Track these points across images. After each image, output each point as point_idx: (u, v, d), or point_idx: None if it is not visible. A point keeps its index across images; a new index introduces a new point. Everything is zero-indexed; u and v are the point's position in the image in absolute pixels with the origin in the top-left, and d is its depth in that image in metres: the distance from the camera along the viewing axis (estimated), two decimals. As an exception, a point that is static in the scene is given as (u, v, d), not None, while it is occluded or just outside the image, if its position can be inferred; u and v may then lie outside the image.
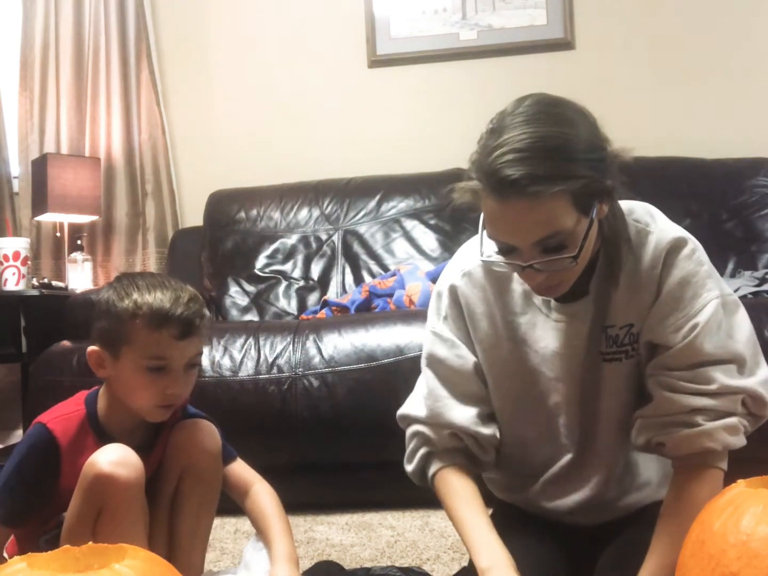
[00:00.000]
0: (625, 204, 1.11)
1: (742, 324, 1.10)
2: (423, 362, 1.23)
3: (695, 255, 1.07)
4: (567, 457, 1.19)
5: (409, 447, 1.23)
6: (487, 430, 1.19)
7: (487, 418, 1.20)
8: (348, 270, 2.89)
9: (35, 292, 2.81)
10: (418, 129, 3.15)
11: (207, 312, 1.30)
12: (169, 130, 3.32)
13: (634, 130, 3.05)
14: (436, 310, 1.21)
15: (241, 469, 1.35)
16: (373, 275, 2.84)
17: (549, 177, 0.93)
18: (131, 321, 1.21)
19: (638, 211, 1.11)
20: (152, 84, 3.26)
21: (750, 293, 2.33)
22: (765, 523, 0.82)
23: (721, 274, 2.59)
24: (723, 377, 1.04)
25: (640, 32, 3.10)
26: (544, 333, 1.14)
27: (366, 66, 3.25)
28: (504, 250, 1.02)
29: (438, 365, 1.20)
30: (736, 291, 2.34)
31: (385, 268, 2.84)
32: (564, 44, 3.14)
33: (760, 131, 2.99)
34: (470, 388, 1.19)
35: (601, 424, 1.16)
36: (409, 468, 1.24)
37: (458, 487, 1.17)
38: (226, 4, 3.33)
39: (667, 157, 2.90)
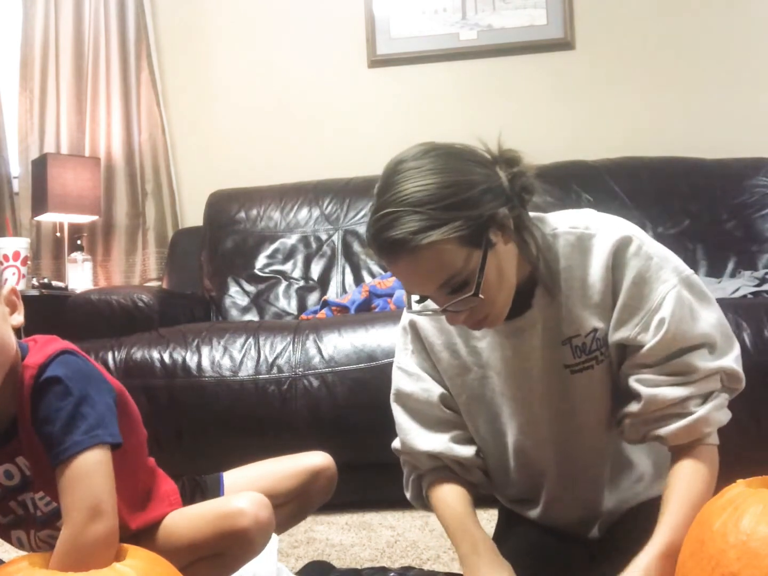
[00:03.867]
0: (559, 214, 1.12)
1: (709, 305, 1.09)
2: (391, 397, 1.24)
3: (642, 250, 1.06)
4: (550, 480, 1.20)
5: (404, 474, 1.28)
6: (466, 451, 1.20)
7: (463, 440, 1.21)
8: (348, 270, 2.89)
9: (35, 292, 2.81)
10: (418, 129, 3.14)
11: None
12: (169, 130, 3.32)
13: (633, 130, 3.07)
14: (402, 345, 1.23)
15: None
16: (373, 275, 2.84)
17: (420, 230, 0.95)
18: None
19: (574, 218, 1.11)
20: (152, 84, 3.26)
21: (750, 293, 2.33)
22: (765, 523, 0.82)
23: (721, 274, 2.63)
24: (700, 362, 1.05)
25: (640, 32, 3.10)
26: (502, 353, 1.15)
27: (366, 66, 3.25)
28: (420, 299, 1.07)
29: (405, 399, 1.21)
30: (736, 291, 2.34)
31: (385, 268, 2.83)
32: (564, 44, 3.13)
33: (760, 131, 2.99)
34: (440, 418, 1.20)
35: (582, 438, 1.16)
36: (408, 494, 1.28)
37: (444, 491, 1.19)
38: (225, 4, 3.33)
39: (667, 157, 2.89)
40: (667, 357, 1.05)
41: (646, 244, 1.07)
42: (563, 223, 1.10)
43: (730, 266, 2.68)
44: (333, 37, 3.26)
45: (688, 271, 1.09)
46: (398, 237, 0.96)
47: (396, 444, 1.25)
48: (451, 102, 3.18)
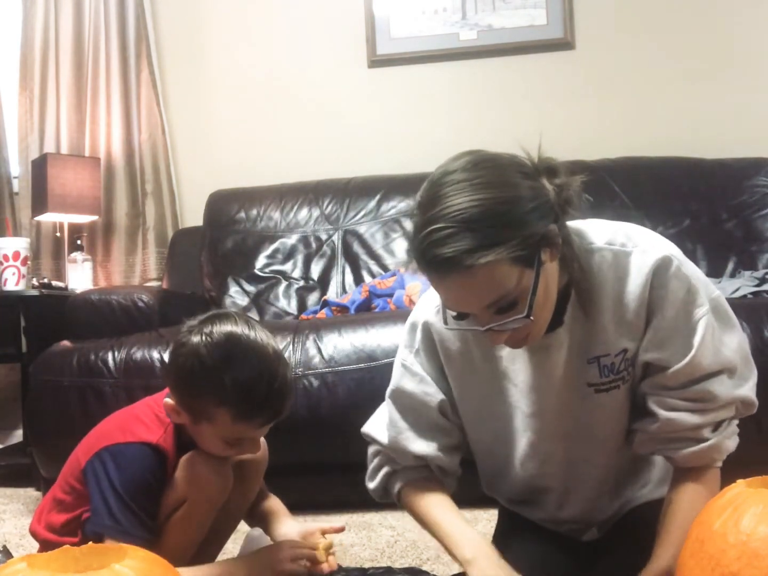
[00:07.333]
0: (595, 226, 1.10)
1: (733, 330, 1.09)
2: (388, 393, 1.22)
3: (681, 272, 1.05)
4: (554, 490, 1.19)
5: (372, 464, 1.25)
6: (450, 460, 1.20)
7: (449, 449, 1.20)
8: (348, 270, 2.88)
9: (35, 292, 2.81)
10: (418, 129, 3.15)
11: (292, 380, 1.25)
12: (169, 130, 3.32)
13: (634, 130, 3.07)
14: (408, 342, 1.20)
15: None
16: (373, 275, 2.84)
17: (477, 249, 0.91)
18: (217, 407, 1.16)
19: (612, 234, 1.08)
20: (152, 84, 3.26)
21: (750, 293, 2.33)
22: (765, 523, 0.82)
23: (721, 274, 2.63)
24: (720, 390, 1.05)
25: (640, 32, 3.10)
26: (523, 366, 1.13)
27: (366, 66, 3.25)
28: (461, 316, 1.02)
29: (404, 398, 1.19)
30: (736, 291, 2.34)
31: (385, 268, 2.84)
32: (564, 44, 3.13)
33: (760, 131, 2.99)
34: (434, 423, 1.19)
35: (592, 454, 1.16)
36: (371, 485, 1.25)
37: (428, 495, 1.18)
38: (225, 4, 3.33)
39: (667, 157, 2.89)
40: (689, 382, 1.05)
41: (684, 265, 1.06)
42: (599, 237, 1.08)
43: (730, 266, 2.68)
44: (333, 37, 3.26)
45: (716, 292, 1.09)
46: (451, 255, 0.91)
47: (375, 433, 1.23)
48: (451, 102, 3.18)
